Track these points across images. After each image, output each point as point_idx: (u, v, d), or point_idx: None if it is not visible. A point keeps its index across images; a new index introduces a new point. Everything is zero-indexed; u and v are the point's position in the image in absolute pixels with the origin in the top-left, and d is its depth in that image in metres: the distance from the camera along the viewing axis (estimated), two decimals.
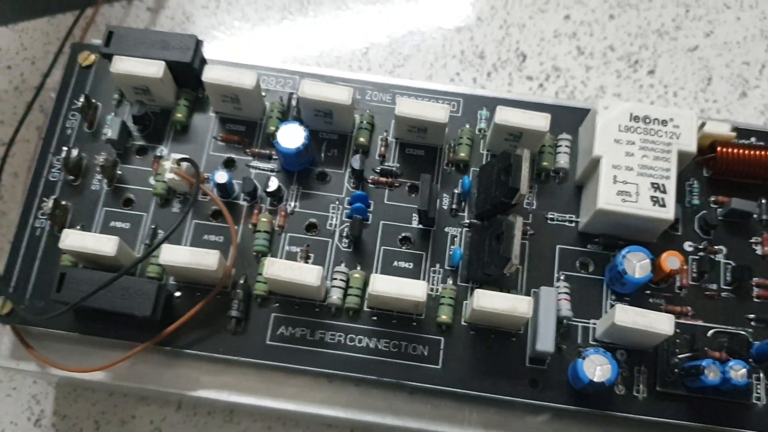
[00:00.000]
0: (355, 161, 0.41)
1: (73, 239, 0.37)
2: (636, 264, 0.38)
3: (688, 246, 0.41)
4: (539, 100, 0.43)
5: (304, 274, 0.37)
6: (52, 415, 0.46)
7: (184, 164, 0.39)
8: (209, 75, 0.40)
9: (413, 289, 0.37)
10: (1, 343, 0.40)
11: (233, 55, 0.45)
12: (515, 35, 0.55)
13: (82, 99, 0.41)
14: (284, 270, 0.37)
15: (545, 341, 0.37)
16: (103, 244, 0.37)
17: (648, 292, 0.40)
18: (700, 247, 0.41)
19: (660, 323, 0.36)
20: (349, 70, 0.53)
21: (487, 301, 0.36)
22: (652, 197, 0.38)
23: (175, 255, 0.37)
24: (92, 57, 0.44)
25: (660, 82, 0.54)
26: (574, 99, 0.53)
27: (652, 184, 0.38)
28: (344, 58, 0.54)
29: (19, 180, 0.51)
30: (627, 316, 0.37)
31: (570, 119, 0.43)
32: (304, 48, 0.54)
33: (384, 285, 0.37)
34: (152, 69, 0.40)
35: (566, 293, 0.39)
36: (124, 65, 0.40)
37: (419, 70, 0.54)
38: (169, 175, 0.39)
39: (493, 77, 0.54)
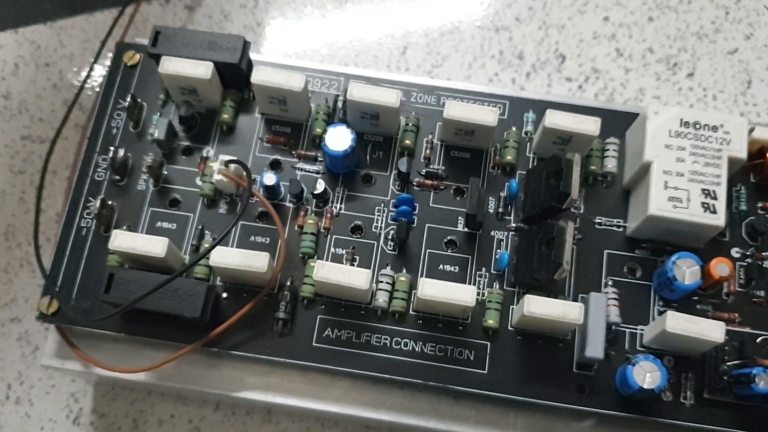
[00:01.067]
0: (402, 164, 0.41)
1: (122, 240, 0.37)
2: (686, 270, 0.38)
3: (735, 252, 0.41)
4: (587, 104, 0.43)
5: (354, 277, 0.37)
6: (91, 413, 0.46)
7: (232, 166, 0.39)
8: (258, 77, 0.40)
9: (463, 294, 0.36)
10: (45, 342, 0.40)
11: (271, 54, 0.44)
12: (554, 36, 0.55)
13: (128, 98, 0.41)
14: (334, 273, 0.37)
15: (595, 348, 0.37)
16: (152, 245, 0.37)
17: (695, 298, 0.40)
18: (748, 253, 0.41)
19: (711, 331, 0.36)
20: (387, 70, 0.53)
21: (538, 306, 0.36)
22: (702, 203, 0.38)
23: (225, 257, 0.37)
24: (137, 56, 0.44)
25: (699, 85, 0.54)
26: (614, 101, 0.53)
27: (703, 190, 0.38)
28: (382, 57, 0.54)
29: (57, 177, 0.51)
30: (678, 323, 0.36)
31: (616, 123, 0.42)
32: (341, 47, 0.54)
33: (433, 289, 0.37)
34: (201, 70, 0.40)
35: (615, 299, 0.39)
36: (173, 66, 0.40)
37: (458, 71, 0.53)
38: (216, 177, 0.39)
39: (532, 78, 0.53)
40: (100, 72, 0.53)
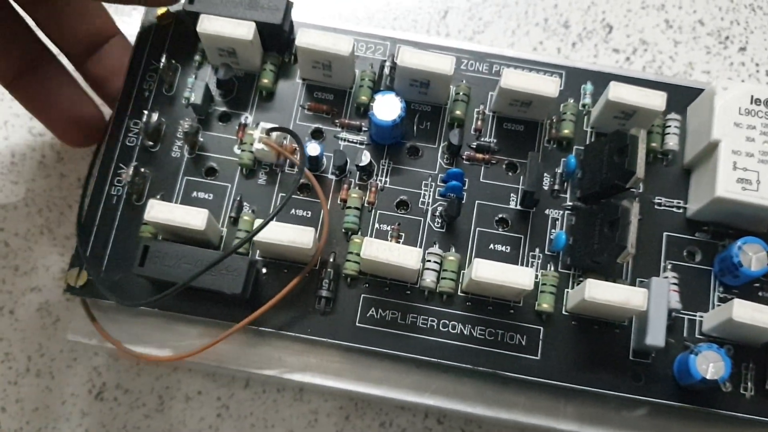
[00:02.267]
0: (453, 136, 0.38)
1: (159, 211, 0.35)
2: (752, 256, 0.36)
3: None
4: (649, 78, 0.41)
5: (404, 256, 0.35)
6: (115, 389, 0.45)
7: (274, 134, 0.37)
8: (304, 39, 0.37)
9: (520, 277, 0.34)
10: (70, 315, 0.38)
11: (307, 16, 0.42)
12: (601, 5, 0.52)
13: (162, 59, 0.39)
14: (383, 251, 0.35)
15: (656, 335, 0.35)
16: (192, 217, 0.35)
17: (757, 285, 0.38)
18: None
19: None
20: (427, 35, 0.51)
21: (600, 291, 0.34)
22: None
23: (269, 231, 0.35)
24: (172, 14, 0.41)
25: (752, 60, 0.51)
26: (662, 75, 0.50)
27: None
28: (421, 22, 0.51)
29: None
30: (745, 312, 0.35)
31: (677, 98, 0.40)
32: (379, 10, 0.52)
33: (488, 271, 0.35)
34: (242, 30, 0.37)
35: (675, 284, 0.37)
36: (212, 25, 0.37)
37: (501, 38, 0.51)
38: (258, 145, 0.37)
39: (578, 48, 0.51)
40: (130, 31, 0.50)
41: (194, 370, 0.45)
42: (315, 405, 0.44)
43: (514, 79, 0.37)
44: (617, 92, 0.37)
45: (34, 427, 0.43)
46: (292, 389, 0.45)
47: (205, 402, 0.44)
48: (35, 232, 0.47)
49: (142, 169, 0.38)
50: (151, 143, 0.39)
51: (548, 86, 0.37)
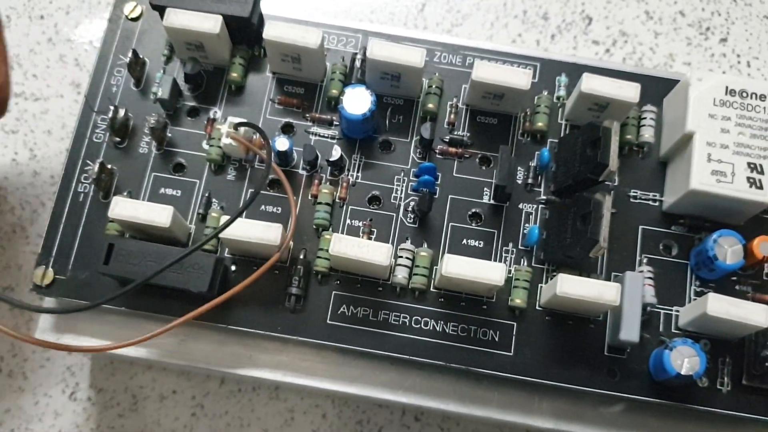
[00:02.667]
0: (425, 130, 0.38)
1: (123, 208, 0.34)
2: (728, 249, 0.36)
3: None
4: (623, 69, 0.40)
5: (373, 252, 0.34)
6: (88, 388, 0.44)
7: (242, 129, 0.36)
8: (271, 32, 0.36)
9: (491, 272, 0.34)
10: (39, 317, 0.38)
11: (281, 9, 0.41)
12: None
13: (129, 54, 0.38)
14: (352, 247, 0.34)
15: (630, 330, 0.35)
16: (156, 214, 0.34)
17: (734, 278, 0.37)
18: None
19: (755, 314, 0.34)
20: (404, 28, 0.50)
21: (572, 286, 0.34)
22: (748, 178, 0.35)
23: (236, 228, 0.34)
24: (139, 8, 0.40)
25: (733, 51, 0.51)
26: (642, 67, 0.50)
27: (749, 164, 0.36)
28: (399, 14, 0.51)
29: (52, 137, 0.48)
30: (720, 306, 0.34)
31: (653, 90, 0.40)
32: (355, 3, 0.51)
33: (458, 266, 0.34)
34: (209, 23, 0.37)
35: (650, 278, 0.37)
36: (178, 18, 0.37)
37: (479, 30, 0.50)
38: (225, 140, 0.36)
39: (557, 40, 0.50)
40: (98, 25, 0.50)
41: (168, 369, 0.44)
42: (291, 403, 0.44)
43: (485, 71, 0.36)
44: (590, 84, 0.36)
45: (7, 428, 0.43)
46: (268, 388, 0.44)
47: (179, 401, 0.44)
48: (8, 230, 0.46)
49: (109, 166, 0.37)
50: (118, 139, 0.38)
51: (520, 78, 0.36)
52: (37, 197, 0.47)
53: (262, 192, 0.38)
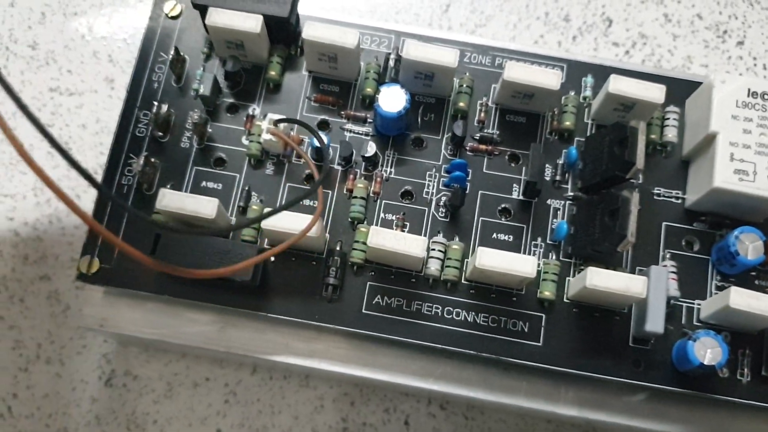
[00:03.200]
0: (457, 127, 0.39)
1: (170, 200, 0.36)
2: (749, 245, 0.37)
3: None
4: (647, 71, 0.41)
5: (410, 244, 0.36)
6: (123, 375, 0.45)
7: (282, 125, 0.38)
8: (311, 32, 0.38)
9: (523, 265, 0.35)
10: (78, 302, 0.39)
11: (309, 8, 0.43)
12: None
13: (171, 51, 0.40)
14: (389, 240, 0.36)
15: (655, 322, 0.36)
16: (202, 206, 0.35)
17: (753, 273, 0.39)
18: None
19: None
20: (429, 28, 0.51)
21: (601, 279, 0.35)
22: None
23: (277, 220, 0.35)
24: (179, 6, 0.42)
25: (749, 53, 0.52)
26: (661, 68, 0.51)
27: None
28: (423, 15, 0.52)
29: (87, 131, 0.49)
30: (742, 299, 0.35)
31: (676, 91, 0.41)
32: (381, 3, 0.52)
33: (492, 259, 0.35)
34: (250, 23, 0.38)
35: (674, 272, 0.38)
36: (221, 18, 0.38)
37: (502, 31, 0.52)
38: (266, 136, 0.38)
39: (578, 41, 0.52)
40: (131, 23, 0.51)
41: (202, 357, 0.45)
42: (321, 391, 0.45)
43: (517, 72, 0.38)
44: (617, 85, 0.38)
45: (45, 413, 0.44)
46: (298, 376, 0.45)
47: (212, 388, 0.45)
48: (44, 221, 0.48)
49: (153, 159, 0.39)
50: (160, 134, 0.39)
51: (551, 79, 0.38)
52: (72, 189, 0.48)
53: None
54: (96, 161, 0.49)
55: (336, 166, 0.40)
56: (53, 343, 0.46)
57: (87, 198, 0.48)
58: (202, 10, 0.39)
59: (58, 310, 0.46)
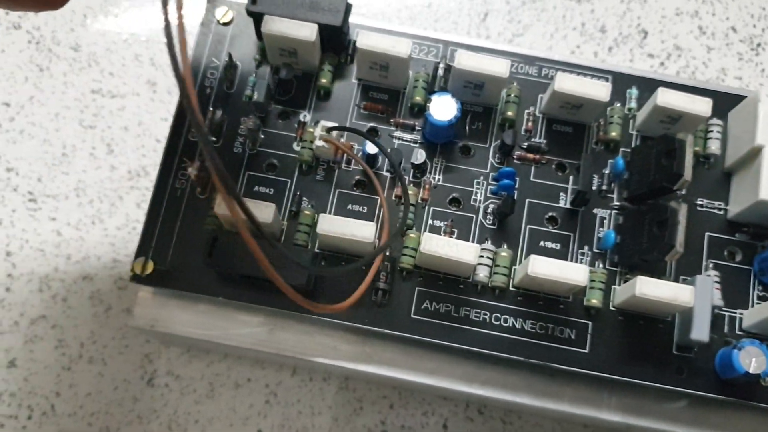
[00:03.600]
0: (508, 136, 0.40)
1: (330, 224, 0.36)
2: None
3: None
4: (692, 84, 0.42)
5: (462, 251, 0.36)
6: (166, 375, 0.46)
7: (334, 132, 0.38)
8: (364, 41, 0.38)
9: (575, 273, 0.36)
10: (135, 304, 0.40)
11: (351, 16, 0.43)
12: (636, 10, 0.54)
13: (225, 57, 0.40)
14: (442, 246, 0.36)
15: (700, 330, 0.37)
16: (260, 211, 0.36)
17: None
18: None
19: None
20: (467, 36, 0.52)
21: (650, 288, 0.36)
22: None
23: (332, 224, 0.36)
24: (230, 13, 0.42)
25: None
26: (695, 80, 0.52)
27: None
28: (462, 24, 0.53)
29: (129, 134, 0.50)
30: None
31: (718, 104, 0.42)
32: (420, 12, 0.53)
33: (544, 267, 0.36)
34: (305, 31, 0.39)
35: (717, 282, 0.39)
36: (276, 26, 0.39)
37: (539, 41, 0.52)
38: (318, 143, 0.38)
39: (614, 52, 0.52)
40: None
41: (243, 357, 0.46)
42: (360, 393, 0.46)
43: (568, 83, 0.39)
44: (665, 98, 0.38)
45: (88, 412, 0.45)
46: (338, 378, 0.46)
47: (254, 389, 0.46)
48: (87, 222, 0.48)
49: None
50: (214, 139, 0.40)
51: (600, 91, 0.38)
52: (114, 191, 0.49)
53: (350, 192, 0.40)
54: (138, 163, 0.49)
55: (385, 173, 0.40)
56: (95, 342, 0.46)
57: (129, 199, 0.48)
58: (257, 18, 0.40)
59: (101, 310, 0.47)
